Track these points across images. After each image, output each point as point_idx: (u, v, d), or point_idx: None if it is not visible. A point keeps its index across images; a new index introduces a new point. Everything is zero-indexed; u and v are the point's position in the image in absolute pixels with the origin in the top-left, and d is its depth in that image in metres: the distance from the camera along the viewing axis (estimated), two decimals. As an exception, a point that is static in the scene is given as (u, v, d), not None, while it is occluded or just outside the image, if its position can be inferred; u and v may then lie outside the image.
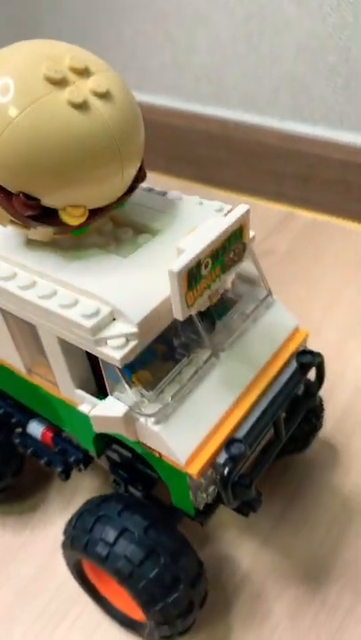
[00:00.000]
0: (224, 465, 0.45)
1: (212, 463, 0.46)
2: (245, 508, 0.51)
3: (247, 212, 0.43)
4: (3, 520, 0.75)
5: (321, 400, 0.61)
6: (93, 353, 0.43)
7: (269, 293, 0.54)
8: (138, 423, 0.45)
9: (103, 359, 0.43)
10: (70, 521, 0.59)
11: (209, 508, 0.51)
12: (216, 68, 1.20)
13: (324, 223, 1.22)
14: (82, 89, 0.40)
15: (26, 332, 0.51)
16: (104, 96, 0.41)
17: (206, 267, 0.41)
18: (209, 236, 0.40)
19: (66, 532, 0.60)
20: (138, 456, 0.57)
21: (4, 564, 0.70)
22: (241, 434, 0.47)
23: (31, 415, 0.65)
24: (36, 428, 0.64)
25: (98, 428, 0.46)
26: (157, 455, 0.47)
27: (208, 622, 0.62)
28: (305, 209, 1.25)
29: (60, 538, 0.69)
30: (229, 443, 0.45)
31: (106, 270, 0.44)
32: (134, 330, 0.41)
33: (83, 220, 0.43)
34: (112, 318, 0.42)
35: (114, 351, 0.41)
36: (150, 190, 0.54)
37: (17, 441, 0.66)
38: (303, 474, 0.76)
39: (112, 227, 0.50)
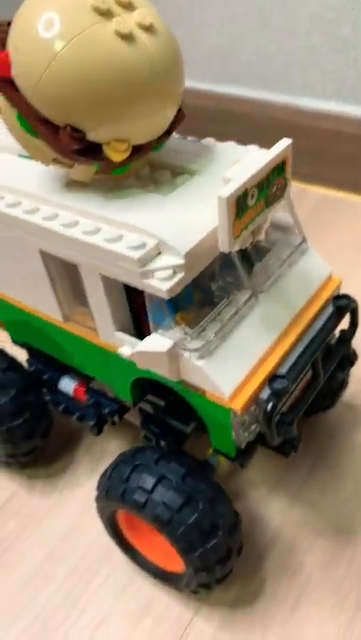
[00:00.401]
0: (268, 400, 0.45)
1: (255, 399, 0.46)
2: (286, 448, 0.51)
3: (289, 145, 0.43)
4: (31, 483, 0.75)
5: (354, 351, 0.61)
6: (139, 287, 0.43)
7: (304, 240, 0.54)
8: (181, 359, 0.45)
9: (149, 292, 0.43)
10: (105, 473, 0.59)
11: (249, 449, 0.51)
12: (228, 44, 1.21)
13: (336, 199, 1.22)
14: (128, 21, 0.41)
15: (65, 277, 0.52)
16: (149, 29, 0.41)
17: (252, 197, 0.41)
18: (255, 166, 0.41)
19: (100, 484, 0.60)
20: (172, 407, 0.57)
21: (34, 525, 0.70)
22: (283, 370, 0.47)
23: (62, 372, 0.65)
24: (67, 384, 0.64)
25: (142, 365, 0.46)
26: (200, 393, 0.47)
27: (241, 575, 0.63)
28: (316, 185, 1.25)
29: (89, 498, 0.70)
30: (272, 379, 0.46)
31: (149, 207, 0.45)
32: (181, 262, 0.41)
33: (126, 155, 0.44)
34: (158, 252, 0.42)
35: (161, 283, 0.41)
36: (184, 138, 0.54)
37: (48, 398, 0.66)
38: (327, 434, 0.76)
39: (149, 170, 0.50)
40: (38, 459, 0.76)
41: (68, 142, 0.42)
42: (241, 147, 0.52)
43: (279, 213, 0.54)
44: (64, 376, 0.65)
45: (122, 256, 0.42)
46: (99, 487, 0.60)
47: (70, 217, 0.46)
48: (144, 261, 0.41)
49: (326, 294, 0.54)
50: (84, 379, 0.63)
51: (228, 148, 0.51)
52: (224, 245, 0.41)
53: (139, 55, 0.41)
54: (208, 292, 0.51)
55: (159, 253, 0.42)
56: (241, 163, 0.41)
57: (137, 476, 0.55)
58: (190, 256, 0.42)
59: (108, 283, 0.46)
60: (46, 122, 0.42)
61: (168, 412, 0.62)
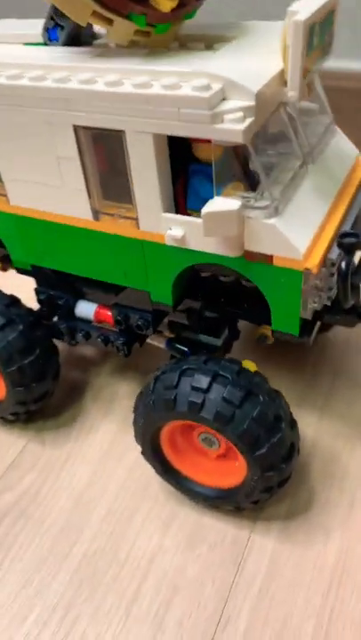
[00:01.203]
0: (341, 259, 0.43)
1: (324, 261, 0.44)
2: (350, 318, 0.49)
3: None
4: (40, 437, 0.68)
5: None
6: (207, 136, 0.40)
7: (332, 121, 0.54)
8: (248, 223, 0.42)
9: (220, 139, 0.40)
10: (145, 390, 0.55)
11: (310, 326, 0.49)
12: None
13: None
14: None
15: (95, 163, 0.47)
16: None
17: (316, 37, 0.40)
18: (317, 2, 0.39)
19: (140, 404, 0.55)
20: (209, 308, 0.54)
21: (54, 476, 0.64)
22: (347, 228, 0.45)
23: (77, 297, 0.60)
24: (86, 308, 0.59)
25: (208, 232, 0.43)
26: (266, 262, 0.44)
27: (290, 488, 0.59)
28: None
29: (108, 442, 0.66)
30: (340, 236, 0.44)
31: (200, 59, 0.42)
32: (252, 103, 0.39)
33: (174, 4, 0.41)
34: (222, 97, 0.39)
35: (234, 125, 0.38)
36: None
37: (63, 326, 0.61)
38: (340, 350, 0.76)
39: (178, 45, 0.47)
40: (44, 411, 0.70)
41: (117, -18, 0.38)
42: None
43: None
44: (80, 301, 0.60)
45: (188, 99, 0.38)
46: (138, 407, 0.56)
47: (114, 76, 0.42)
48: (213, 103, 0.38)
49: (360, 173, 0.53)
50: (104, 300, 0.58)
51: (259, 22, 0.49)
52: (294, 84, 0.39)
53: None
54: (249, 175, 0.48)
55: (223, 99, 0.40)
56: (299, 3, 0.40)
57: (188, 379, 0.51)
58: (260, 97, 0.39)
59: (160, 148, 0.43)
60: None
61: (202, 322, 0.59)
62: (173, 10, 0.42)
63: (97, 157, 0.47)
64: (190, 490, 0.58)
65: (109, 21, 0.42)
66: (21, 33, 0.52)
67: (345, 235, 0.44)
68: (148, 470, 0.63)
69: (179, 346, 0.60)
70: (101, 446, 0.67)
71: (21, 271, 0.61)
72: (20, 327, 0.61)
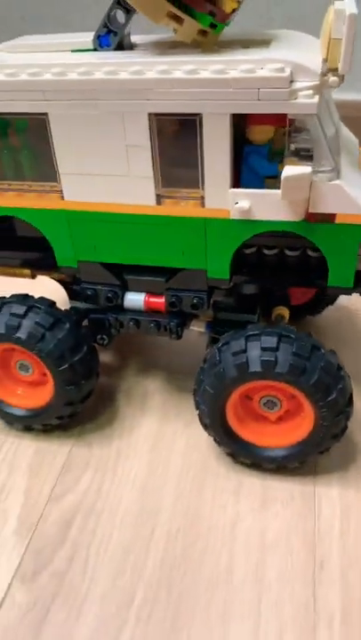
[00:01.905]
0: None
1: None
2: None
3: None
4: (83, 440, 0.69)
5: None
6: (284, 111, 0.46)
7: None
8: (314, 186, 0.49)
9: (296, 113, 0.46)
10: (211, 361, 0.58)
11: (359, 280, 0.56)
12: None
13: None
14: None
15: (159, 149, 0.52)
16: None
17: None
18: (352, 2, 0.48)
19: (204, 376, 0.59)
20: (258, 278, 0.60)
21: (111, 474, 0.65)
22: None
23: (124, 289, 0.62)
24: (135, 298, 0.62)
25: (286, 196, 0.48)
26: (328, 221, 0.51)
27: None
28: None
29: (153, 434, 0.70)
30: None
31: (260, 52, 0.49)
32: (317, 82, 0.46)
33: (235, 5, 0.48)
34: (291, 79, 0.46)
35: (308, 99, 0.45)
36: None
37: (112, 318, 0.63)
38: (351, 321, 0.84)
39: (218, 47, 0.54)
40: (81, 416, 0.70)
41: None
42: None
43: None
44: (127, 292, 0.62)
45: (268, 79, 0.45)
46: (202, 380, 0.59)
47: (190, 66, 0.47)
48: (289, 83, 0.45)
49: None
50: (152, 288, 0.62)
51: (279, 30, 0.58)
52: (346, 65, 0.47)
53: None
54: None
55: (292, 81, 0.47)
56: (336, 5, 0.48)
57: (255, 343, 0.56)
58: (321, 78, 0.47)
59: (231, 129, 0.48)
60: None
61: (240, 299, 0.64)
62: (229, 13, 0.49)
63: (164, 143, 0.51)
64: (257, 455, 0.61)
65: (180, 21, 0.47)
66: (61, 42, 0.56)
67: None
68: (201, 452, 0.66)
69: (218, 328, 0.65)
70: (147, 440, 0.68)
71: (65, 269, 0.62)
72: (67, 325, 0.62)
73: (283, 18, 1.16)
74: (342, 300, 0.84)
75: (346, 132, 0.63)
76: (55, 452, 0.67)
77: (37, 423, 0.67)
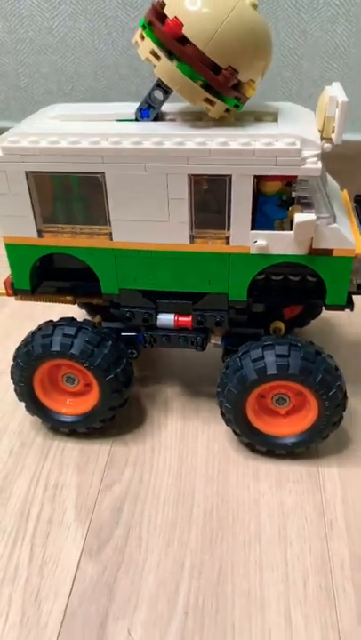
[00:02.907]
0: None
1: (361, 250, 0.67)
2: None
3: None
4: (121, 439, 0.80)
5: None
6: (295, 174, 0.61)
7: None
8: (317, 228, 0.64)
9: (304, 175, 0.61)
10: (233, 366, 0.71)
11: (350, 298, 0.71)
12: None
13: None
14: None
15: (198, 200, 0.65)
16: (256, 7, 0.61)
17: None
18: (340, 89, 0.63)
19: (226, 380, 0.72)
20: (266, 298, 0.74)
21: (149, 466, 0.77)
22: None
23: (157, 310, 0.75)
24: (166, 319, 0.75)
25: (298, 236, 0.63)
26: (327, 254, 0.65)
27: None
28: None
29: (181, 432, 0.82)
30: (368, 232, 0.67)
31: (272, 127, 0.63)
32: (319, 151, 0.61)
33: (254, 92, 0.62)
34: (300, 149, 0.61)
35: (313, 165, 0.60)
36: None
37: (147, 335, 0.75)
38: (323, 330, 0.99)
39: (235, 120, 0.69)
40: (117, 420, 0.81)
41: (229, 78, 0.58)
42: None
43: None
44: (160, 313, 0.75)
45: (285, 151, 0.59)
46: (226, 383, 0.72)
47: (220, 139, 0.61)
48: (300, 152, 0.60)
49: (347, 196, 0.78)
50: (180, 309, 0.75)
51: (284, 103, 0.73)
52: (339, 138, 0.62)
53: (264, 21, 0.60)
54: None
55: (300, 150, 0.61)
56: (326, 90, 0.63)
57: (271, 351, 0.70)
58: (321, 148, 0.61)
59: (253, 186, 0.62)
60: (210, 66, 0.58)
61: (251, 316, 0.77)
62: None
63: (199, 196, 0.65)
64: (271, 443, 0.75)
65: (213, 103, 0.61)
66: (104, 112, 0.69)
67: (370, 232, 0.68)
68: (221, 443, 0.79)
69: (232, 340, 0.78)
70: (175, 436, 0.81)
71: (108, 296, 0.74)
72: (110, 342, 0.74)
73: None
74: (324, 313, 0.99)
75: (330, 179, 0.79)
76: (98, 451, 0.79)
77: (83, 427, 0.78)
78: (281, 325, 0.85)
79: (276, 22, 1.28)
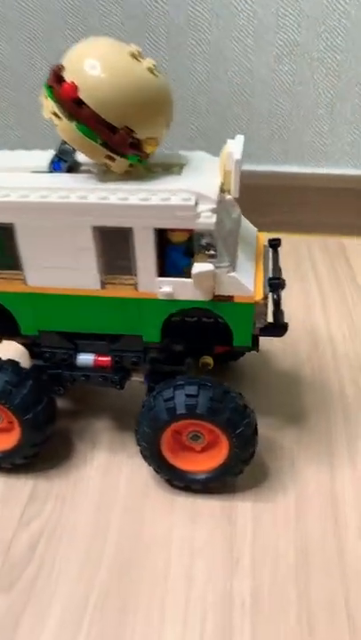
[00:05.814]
0: (272, 292, 0.70)
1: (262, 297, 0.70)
2: (280, 331, 0.75)
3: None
4: (45, 475, 0.83)
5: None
6: (190, 227, 0.64)
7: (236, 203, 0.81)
8: (217, 276, 0.67)
9: (199, 228, 0.64)
10: (147, 406, 0.74)
11: (256, 340, 0.74)
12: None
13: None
14: (148, 63, 0.64)
15: (103, 248, 0.68)
16: (155, 71, 0.65)
17: (239, 165, 0.67)
18: (240, 144, 0.67)
19: (143, 419, 0.75)
20: (180, 340, 0.76)
21: (70, 498, 0.79)
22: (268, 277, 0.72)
23: (76, 350, 0.78)
24: (85, 359, 0.78)
25: (196, 285, 0.66)
26: (229, 300, 0.68)
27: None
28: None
29: (105, 466, 0.86)
30: (269, 280, 0.70)
31: (173, 180, 0.67)
32: (214, 205, 0.64)
33: (155, 149, 0.65)
34: (196, 203, 0.64)
35: (208, 219, 0.63)
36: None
37: (66, 374, 0.78)
38: (253, 368, 1.02)
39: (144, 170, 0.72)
40: (42, 455, 0.84)
41: (125, 138, 0.62)
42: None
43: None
44: (79, 353, 0.78)
45: (180, 206, 0.63)
46: (142, 422, 0.75)
47: (122, 194, 0.64)
48: (194, 207, 0.63)
49: (262, 239, 0.81)
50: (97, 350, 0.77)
51: (195, 153, 0.76)
52: (236, 191, 0.65)
53: (162, 82, 0.64)
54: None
55: (197, 204, 0.64)
56: (228, 144, 0.67)
57: (181, 391, 0.73)
58: (216, 201, 0.65)
59: (155, 237, 0.66)
60: (107, 126, 0.61)
61: (171, 355, 0.80)
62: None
63: (105, 246, 0.68)
64: (186, 479, 0.78)
65: (113, 160, 0.65)
66: (22, 165, 0.72)
67: (271, 279, 0.71)
68: (143, 478, 0.82)
69: (154, 377, 0.81)
70: (99, 470, 0.83)
71: (27, 336, 0.77)
72: (30, 382, 0.77)
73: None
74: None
75: (246, 223, 0.82)
76: (22, 485, 0.81)
77: (6, 463, 0.81)
78: (210, 360, 0.88)
79: (224, 62, 1.33)
